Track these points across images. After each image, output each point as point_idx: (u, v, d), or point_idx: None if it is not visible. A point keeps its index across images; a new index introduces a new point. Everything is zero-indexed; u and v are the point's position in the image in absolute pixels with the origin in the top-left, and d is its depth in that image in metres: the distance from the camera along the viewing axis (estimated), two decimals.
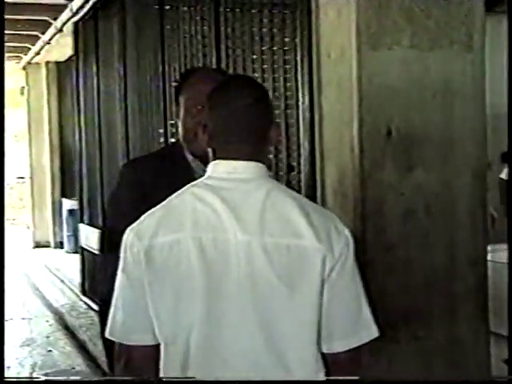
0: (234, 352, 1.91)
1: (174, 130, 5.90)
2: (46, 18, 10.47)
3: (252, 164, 1.99)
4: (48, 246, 14.22)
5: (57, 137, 14.21)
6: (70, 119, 11.61)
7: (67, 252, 12.86)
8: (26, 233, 15.48)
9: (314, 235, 1.91)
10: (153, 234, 1.94)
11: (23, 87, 15.36)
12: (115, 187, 2.92)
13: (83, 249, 9.27)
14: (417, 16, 3.36)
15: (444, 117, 3.38)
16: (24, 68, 14.95)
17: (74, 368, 6.66)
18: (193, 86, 2.70)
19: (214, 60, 5.08)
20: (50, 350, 7.36)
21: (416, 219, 3.33)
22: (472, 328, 3.46)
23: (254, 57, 4.63)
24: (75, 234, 11.19)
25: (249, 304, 1.90)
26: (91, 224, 9.02)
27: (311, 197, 3.30)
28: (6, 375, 6.54)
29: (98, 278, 3.15)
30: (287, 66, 4.15)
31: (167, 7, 6.11)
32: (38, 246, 14.42)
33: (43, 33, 11.42)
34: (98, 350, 5.99)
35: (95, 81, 8.81)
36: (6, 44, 12.45)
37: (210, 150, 2.06)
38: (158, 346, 1.98)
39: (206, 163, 2.36)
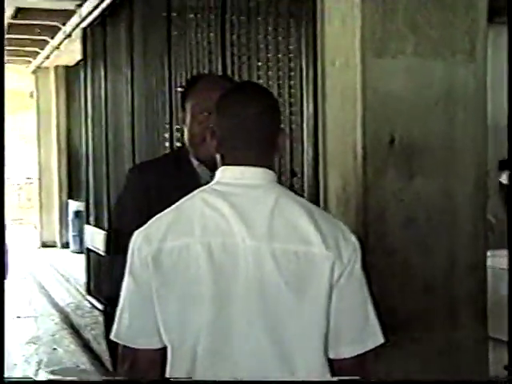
0: (241, 356, 1.87)
1: (179, 135, 5.86)
2: (56, 24, 10.47)
3: (260, 170, 1.96)
4: (54, 246, 14.21)
5: (65, 139, 14.21)
6: (77, 122, 11.60)
7: (73, 252, 12.85)
8: (33, 233, 15.46)
9: (323, 242, 1.87)
10: (161, 238, 1.90)
11: (32, 91, 15.36)
12: (122, 191, 2.90)
13: (88, 249, 9.25)
14: (421, 26, 3.33)
15: (446, 126, 3.36)
16: (34, 72, 14.95)
17: (78, 366, 6.63)
18: (199, 92, 2.67)
19: (219, 66, 5.06)
20: (55, 348, 7.34)
21: (417, 226, 3.30)
22: (471, 332, 3.43)
23: (259, 64, 4.59)
24: (81, 235, 11.16)
25: (257, 309, 1.86)
26: (97, 225, 9.00)
27: (314, 202, 3.25)
28: (12, 373, 6.55)
29: (104, 279, 3.13)
30: (292, 74, 4.11)
31: (174, 14, 6.09)
32: (44, 245, 14.41)
33: (52, 38, 11.41)
34: (102, 348, 5.95)
35: (103, 85, 8.79)
36: (16, 48, 12.49)
37: (218, 155, 2.02)
38: (163, 350, 1.94)
39: (211, 168, 2.36)
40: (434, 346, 3.31)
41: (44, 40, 11.78)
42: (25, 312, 9.16)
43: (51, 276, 11.38)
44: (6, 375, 6.42)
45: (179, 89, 5.75)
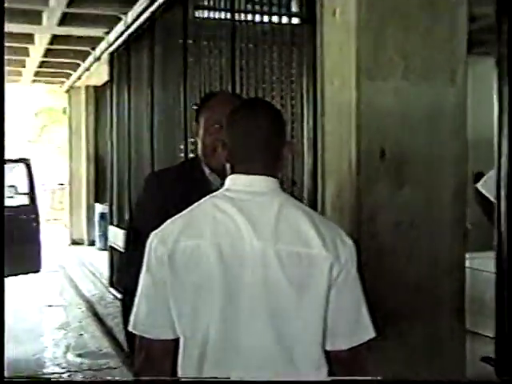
0: (247, 346, 1.81)
1: (193, 147, 5.82)
2: (86, 49, 10.49)
3: (266, 178, 1.90)
4: (82, 244, 14.24)
5: (92, 150, 14.27)
6: (104, 135, 11.65)
7: (98, 249, 12.83)
8: (64, 231, 15.48)
9: (322, 245, 1.82)
10: (175, 239, 1.85)
11: (65, 107, 15.43)
12: (140, 194, 2.86)
13: (112, 247, 9.24)
14: (408, 53, 3.30)
15: (430, 140, 3.32)
16: (67, 91, 15.02)
17: (101, 350, 6.58)
18: (212, 107, 2.62)
19: (229, 88, 5.01)
20: (81, 334, 7.30)
21: (404, 229, 3.25)
22: (450, 326, 3.38)
23: (265, 85, 4.55)
24: (105, 234, 11.13)
25: (262, 304, 1.81)
26: (119, 226, 9.00)
27: (312, 207, 3.21)
28: (43, 355, 6.51)
29: (123, 272, 3.10)
30: (294, 93, 4.07)
31: (190, 42, 6.07)
32: (73, 243, 14.47)
33: (84, 61, 11.47)
34: (123, 335, 5.92)
35: (126, 103, 8.81)
36: (52, 70, 12.50)
37: (228, 164, 1.97)
38: (176, 341, 1.88)
39: (221, 176, 2.31)
40: (418, 337, 3.25)
41: (76, 63, 11.83)
42: (56, 301, 9.13)
43: (79, 270, 11.38)
44: (37, 357, 6.41)
45: (194, 106, 5.73)
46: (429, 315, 3.30)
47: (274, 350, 1.81)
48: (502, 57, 3.11)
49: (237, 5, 4.95)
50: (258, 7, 4.77)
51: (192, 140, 5.86)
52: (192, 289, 1.83)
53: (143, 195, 2.76)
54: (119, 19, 8.42)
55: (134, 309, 1.92)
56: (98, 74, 11.46)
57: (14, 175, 8.76)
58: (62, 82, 14.42)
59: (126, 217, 8.56)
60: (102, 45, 9.84)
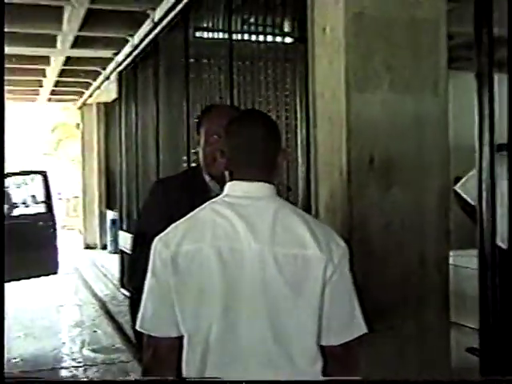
0: (247, 344, 1.76)
1: (195, 157, 5.78)
2: (97, 69, 10.48)
3: (263, 185, 1.85)
4: (95, 248, 14.22)
5: (104, 161, 14.26)
6: (114, 148, 11.63)
7: (110, 252, 12.78)
8: (78, 236, 15.44)
9: (317, 246, 1.77)
10: (178, 243, 1.80)
11: (78, 123, 15.42)
12: (146, 200, 2.81)
13: (122, 250, 9.19)
14: (394, 67, 3.25)
15: (416, 147, 3.26)
16: (79, 108, 15.01)
17: (113, 345, 6.52)
18: (211, 119, 2.58)
19: (228, 102, 4.96)
20: (95, 331, 7.24)
21: (392, 230, 3.19)
22: (436, 319, 3.31)
23: (261, 100, 4.50)
24: (116, 239, 11.08)
25: (260, 303, 1.76)
26: (128, 231, 8.95)
27: (306, 211, 3.16)
28: (61, 350, 6.45)
29: (130, 273, 3.07)
30: (287, 105, 4.02)
31: (191, 60, 6.03)
32: (87, 247, 14.45)
33: (94, 80, 11.44)
34: (132, 332, 5.87)
35: (134, 117, 8.79)
36: (67, 89, 12.49)
37: (227, 172, 1.92)
38: (180, 338, 1.83)
39: (220, 183, 2.27)
40: (407, 331, 3.19)
41: (88, 82, 11.81)
42: (71, 301, 9.08)
43: (92, 272, 11.33)
44: (55, 352, 6.35)
45: (195, 119, 5.70)
46: (416, 309, 3.24)
47: (272, 347, 1.76)
48: (482, 68, 3.06)
49: (234, 26, 4.92)
50: (253, 28, 4.74)
51: (194, 151, 5.82)
52: (194, 290, 1.78)
53: (149, 201, 2.73)
54: (127, 41, 8.41)
55: (141, 309, 1.87)
56: (108, 91, 11.44)
57: (33, 186, 8.72)
58: (75, 100, 14.40)
59: (135, 223, 8.52)
60: (111, 65, 9.84)
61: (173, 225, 1.87)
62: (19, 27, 7.35)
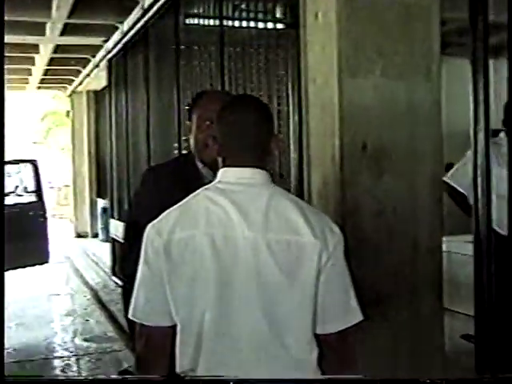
0: (241, 332, 1.74)
1: (186, 145, 5.75)
2: (87, 56, 10.40)
3: (256, 171, 1.82)
4: (86, 236, 14.15)
5: (94, 149, 14.18)
6: (104, 136, 11.58)
7: (101, 241, 12.72)
8: (69, 225, 15.38)
9: (311, 232, 1.74)
10: (171, 230, 1.77)
11: (68, 111, 15.32)
12: (138, 188, 2.77)
13: (113, 238, 9.16)
14: (386, 53, 3.22)
15: (408, 133, 3.24)
16: (69, 96, 14.89)
17: (106, 334, 6.49)
18: (203, 105, 2.55)
19: (219, 89, 4.92)
20: (87, 320, 7.21)
21: (385, 217, 3.18)
22: (430, 305, 3.31)
23: (252, 86, 4.47)
24: (107, 227, 11.05)
25: (254, 291, 1.73)
26: (119, 219, 8.93)
27: (299, 198, 3.14)
28: (54, 339, 6.42)
29: (123, 261, 3.03)
30: (279, 92, 3.99)
31: (182, 47, 5.98)
32: (78, 235, 14.38)
33: (84, 67, 11.37)
34: (125, 320, 5.85)
35: (124, 105, 8.74)
36: (56, 77, 12.40)
37: (219, 158, 1.88)
38: (173, 327, 1.80)
39: (213, 170, 2.24)
40: (399, 317, 3.18)
41: (77, 70, 11.73)
42: (63, 290, 9.04)
43: (83, 260, 11.29)
44: (47, 342, 6.32)
45: (186, 107, 5.66)
46: (409, 296, 3.23)
47: (267, 336, 1.73)
48: (477, 54, 3.03)
49: (225, 12, 4.87)
50: (244, 14, 4.69)
51: (184, 138, 5.79)
52: (187, 278, 1.75)
53: (140, 189, 2.69)
54: (116, 28, 8.33)
55: (133, 297, 1.84)
56: (98, 79, 11.36)
57: (23, 175, 8.67)
58: (65, 88, 14.30)
59: (126, 210, 8.49)
60: (101, 52, 9.77)
61: (165, 212, 1.83)
62: (8, 15, 7.18)
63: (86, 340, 6.32)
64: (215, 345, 1.75)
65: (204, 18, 5.47)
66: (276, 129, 3.74)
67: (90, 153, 14.21)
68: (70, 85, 13.71)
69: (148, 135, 7.38)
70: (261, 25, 4.56)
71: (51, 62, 10.65)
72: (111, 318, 7.01)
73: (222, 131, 1.86)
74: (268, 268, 1.72)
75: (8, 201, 8.14)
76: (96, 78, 11.46)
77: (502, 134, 3.75)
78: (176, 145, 6.10)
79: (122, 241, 2.66)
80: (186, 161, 2.62)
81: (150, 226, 1.82)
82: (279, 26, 4.35)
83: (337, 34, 3.16)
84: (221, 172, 1.85)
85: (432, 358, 3.18)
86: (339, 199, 3.09)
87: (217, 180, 1.85)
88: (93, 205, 13.91)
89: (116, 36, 8.56)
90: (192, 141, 2.57)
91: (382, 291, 3.11)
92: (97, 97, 13.99)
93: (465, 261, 3.67)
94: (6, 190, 8.42)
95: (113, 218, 9.48)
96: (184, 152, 5.47)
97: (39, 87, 13.82)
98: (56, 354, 5.94)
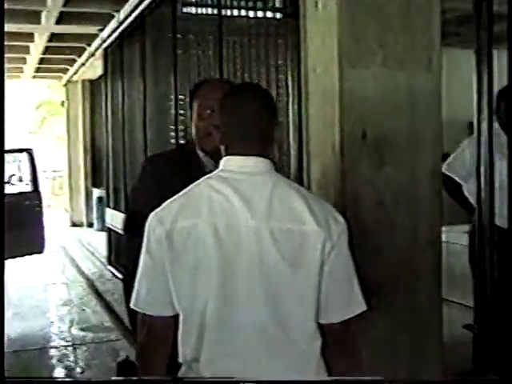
0: (243, 322, 1.72)
1: (182, 134, 5.72)
2: (82, 45, 10.34)
3: (259, 159, 1.80)
4: (81, 226, 14.12)
5: (89, 139, 14.10)
6: (100, 125, 11.54)
7: (96, 230, 12.69)
8: (65, 214, 15.35)
9: (315, 221, 1.72)
10: (173, 219, 1.75)
11: (63, 100, 15.25)
12: (138, 178, 2.73)
13: (109, 228, 9.14)
14: (387, 42, 3.21)
15: (409, 123, 3.23)
16: (64, 85, 14.82)
17: (102, 324, 6.48)
18: (204, 93, 2.53)
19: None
20: (83, 309, 7.19)
21: (385, 207, 3.17)
22: (429, 295, 3.31)
23: (251, 75, 4.44)
24: (103, 216, 11.01)
25: (257, 280, 1.71)
26: (115, 208, 8.91)
27: None
28: (50, 329, 6.40)
29: (123, 253, 3.00)
30: (279, 81, 3.97)
31: (179, 36, 5.93)
32: (73, 225, 14.34)
33: (79, 56, 11.31)
34: (122, 309, 5.83)
35: (120, 94, 8.69)
36: (51, 66, 12.33)
37: (222, 147, 1.87)
38: (176, 317, 1.79)
39: (214, 159, 2.22)
40: (399, 307, 3.19)
41: (73, 59, 11.67)
42: (58, 279, 9.02)
43: (79, 250, 11.26)
44: (43, 332, 6.31)
45: (182, 96, 5.63)
46: (409, 286, 3.23)
47: (270, 325, 1.72)
48: (481, 43, 3.01)
49: (223, 0, 4.83)
50: (243, 3, 4.66)
51: (181, 127, 5.76)
52: (190, 267, 1.74)
53: (141, 179, 2.66)
54: (112, 17, 8.28)
55: (135, 287, 1.83)
56: (94, 68, 11.31)
57: (18, 164, 8.64)
58: (60, 77, 14.22)
59: (122, 200, 8.46)
60: (97, 41, 9.70)
61: (167, 201, 1.82)
62: None
63: (82, 330, 6.31)
64: (218, 334, 1.74)
65: (202, 6, 5.43)
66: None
67: (85, 142, 14.14)
68: (65, 74, 13.64)
69: (144, 124, 7.34)
70: (260, 14, 4.53)
71: (46, 50, 10.59)
72: (107, 307, 6.99)
73: (224, 119, 1.85)
74: (271, 256, 1.71)
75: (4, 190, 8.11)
76: (91, 67, 11.40)
77: (495, 124, 3.73)
78: (173, 133, 6.07)
79: (121, 232, 2.64)
80: (187, 150, 2.60)
81: (152, 214, 1.81)
82: (279, 15, 4.31)
83: (337, 24, 3.14)
84: (223, 161, 1.84)
85: (431, 347, 3.19)
86: (339, 189, 3.09)
87: (219, 169, 1.84)
88: (88, 194, 13.87)
89: (112, 24, 8.50)
90: (193, 129, 2.55)
91: (382, 281, 3.11)
92: (92, 86, 13.91)
93: (461, 251, 3.67)
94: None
95: (109, 207, 9.45)
96: (181, 142, 5.45)
97: (34, 76, 13.76)
98: (53, 344, 5.93)
